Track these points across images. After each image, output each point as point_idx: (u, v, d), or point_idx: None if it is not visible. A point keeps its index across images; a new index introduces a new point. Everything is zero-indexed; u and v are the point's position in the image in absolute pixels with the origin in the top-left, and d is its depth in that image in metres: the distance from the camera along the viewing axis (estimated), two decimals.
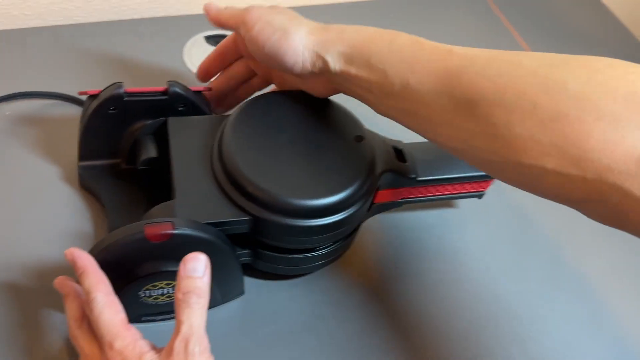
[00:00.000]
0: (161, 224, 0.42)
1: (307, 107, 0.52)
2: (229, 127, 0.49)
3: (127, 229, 0.43)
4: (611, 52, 0.85)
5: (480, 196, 0.59)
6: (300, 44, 0.46)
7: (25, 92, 0.64)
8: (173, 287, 0.46)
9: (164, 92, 0.52)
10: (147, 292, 0.46)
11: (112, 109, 0.52)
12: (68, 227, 0.54)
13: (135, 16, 0.78)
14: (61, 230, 0.54)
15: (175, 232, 0.42)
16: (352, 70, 0.45)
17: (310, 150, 0.49)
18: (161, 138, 0.52)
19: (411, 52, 0.42)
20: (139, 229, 0.42)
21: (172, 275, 0.44)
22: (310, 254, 0.50)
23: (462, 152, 0.40)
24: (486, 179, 0.56)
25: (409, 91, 0.41)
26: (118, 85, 0.51)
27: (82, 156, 0.55)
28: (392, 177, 0.52)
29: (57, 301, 0.48)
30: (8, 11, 0.73)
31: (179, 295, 0.38)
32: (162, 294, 0.46)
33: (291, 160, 0.47)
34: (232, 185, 0.46)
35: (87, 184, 0.56)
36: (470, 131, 0.38)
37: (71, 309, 0.42)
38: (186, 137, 0.51)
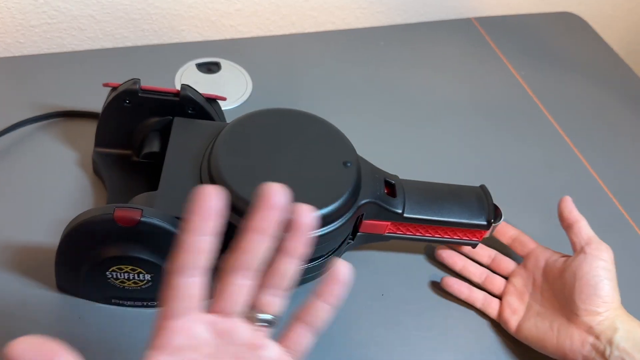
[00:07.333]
0: (131, 210, 0.43)
1: (303, 127, 0.52)
2: (222, 134, 0.50)
3: (100, 209, 0.43)
4: (605, 81, 0.87)
5: (474, 246, 0.56)
6: None
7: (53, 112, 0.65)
8: (138, 273, 0.46)
9: (177, 94, 0.54)
10: (114, 273, 0.46)
11: (127, 102, 0.55)
12: (75, 207, 0.56)
13: (128, 44, 0.81)
14: (68, 209, 0.56)
15: (142, 219, 0.43)
16: None
17: (295, 167, 0.49)
18: (167, 135, 0.53)
19: None
20: (110, 210, 0.43)
21: (137, 262, 0.45)
22: None
23: None
24: (480, 228, 0.53)
25: None
26: (135, 81, 0.54)
27: (98, 143, 0.58)
28: (378, 209, 0.51)
29: None
30: (2, 39, 0.75)
31: None
32: (128, 279, 0.46)
33: (274, 174, 0.48)
34: None
35: (98, 170, 0.58)
36: None
37: None
38: (185, 137, 0.52)
